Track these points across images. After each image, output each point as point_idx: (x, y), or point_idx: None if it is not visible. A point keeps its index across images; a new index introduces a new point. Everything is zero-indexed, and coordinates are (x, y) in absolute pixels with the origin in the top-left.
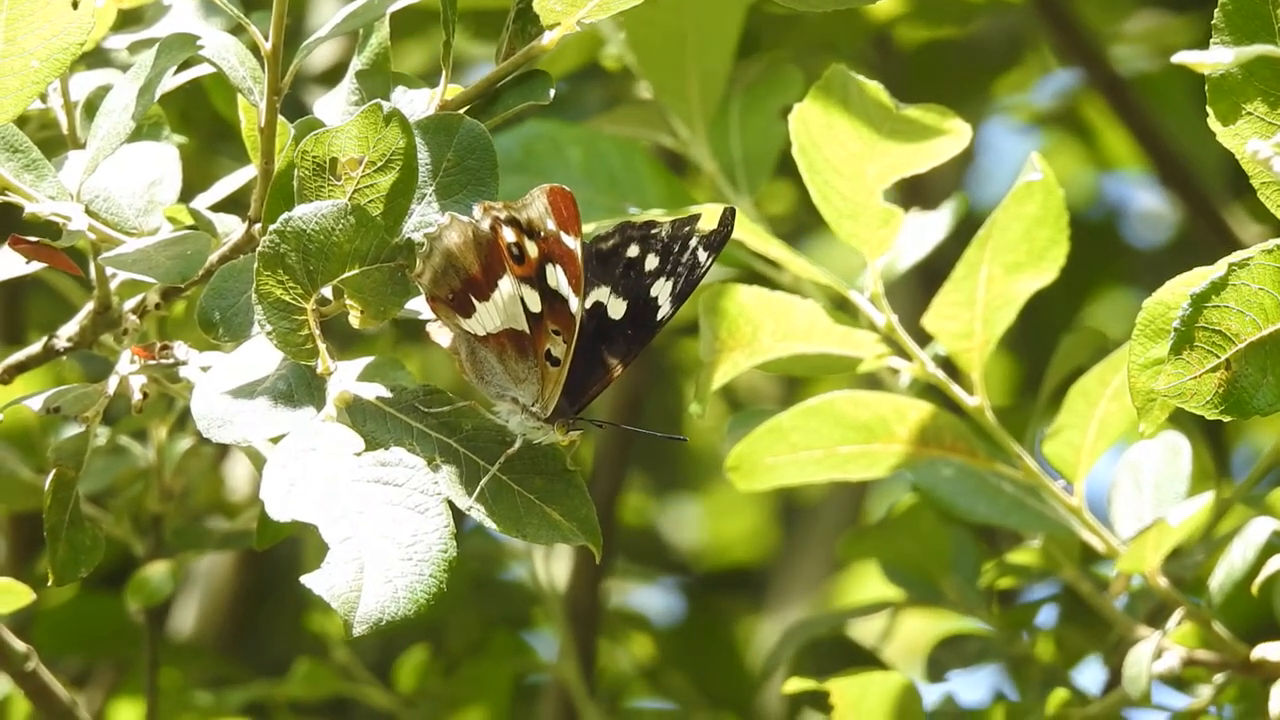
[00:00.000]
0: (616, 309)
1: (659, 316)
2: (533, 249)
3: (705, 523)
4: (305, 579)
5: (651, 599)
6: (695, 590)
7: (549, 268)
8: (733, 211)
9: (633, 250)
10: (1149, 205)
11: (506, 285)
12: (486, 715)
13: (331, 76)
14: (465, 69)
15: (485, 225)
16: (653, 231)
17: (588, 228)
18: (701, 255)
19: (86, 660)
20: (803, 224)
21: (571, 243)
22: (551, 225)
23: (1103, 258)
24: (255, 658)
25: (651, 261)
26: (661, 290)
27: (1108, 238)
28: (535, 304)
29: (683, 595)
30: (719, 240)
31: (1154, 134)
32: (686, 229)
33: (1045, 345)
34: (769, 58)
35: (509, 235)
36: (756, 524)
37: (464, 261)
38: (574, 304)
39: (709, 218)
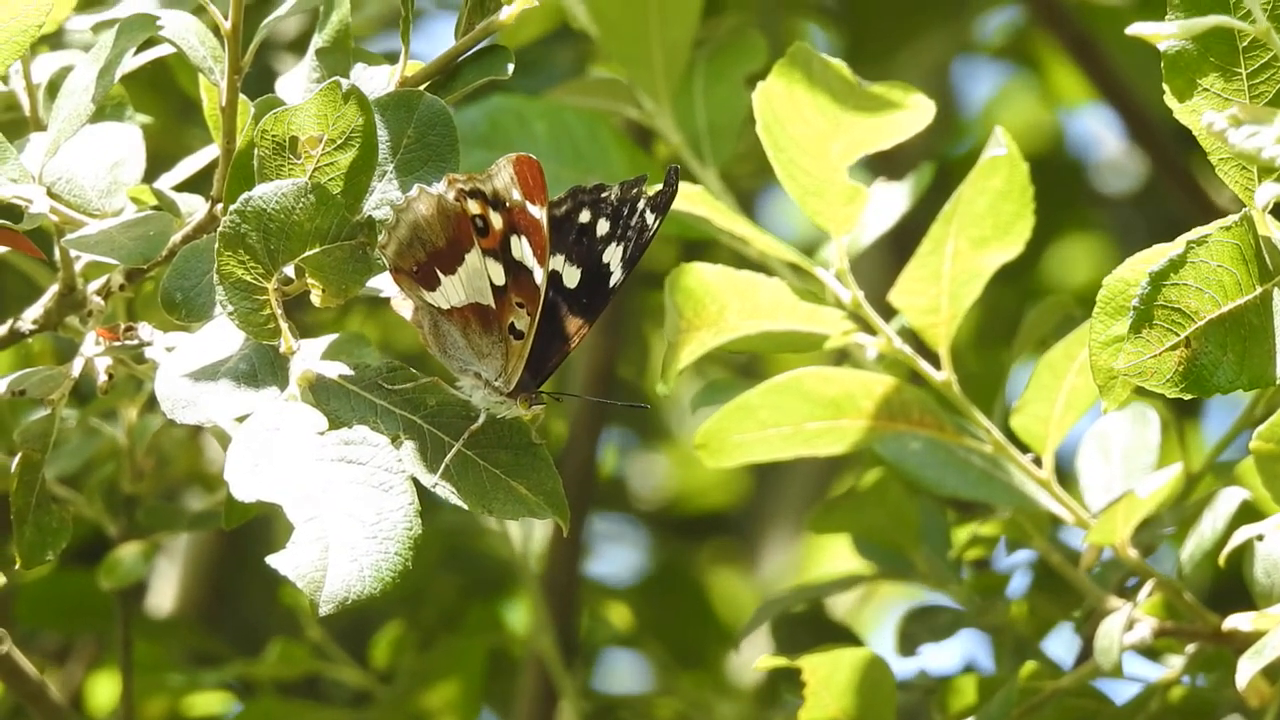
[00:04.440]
0: (571, 277)
1: (612, 283)
2: (497, 221)
3: (677, 469)
4: (271, 559)
5: (625, 553)
6: (669, 538)
7: (514, 239)
8: (677, 171)
9: (584, 216)
10: (1113, 146)
11: (471, 258)
12: (461, 689)
13: (301, 44)
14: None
15: (451, 197)
16: (603, 195)
17: None
18: (649, 217)
19: (66, 635)
20: (772, 179)
21: (537, 212)
22: (517, 195)
23: (1064, 200)
24: (235, 629)
25: (603, 226)
26: (613, 256)
27: (1069, 179)
28: (499, 277)
29: (656, 546)
30: (665, 200)
31: (1122, 91)
32: (634, 190)
33: (1004, 294)
34: (732, 21)
35: (473, 207)
36: (730, 470)
37: (430, 234)
38: (538, 275)
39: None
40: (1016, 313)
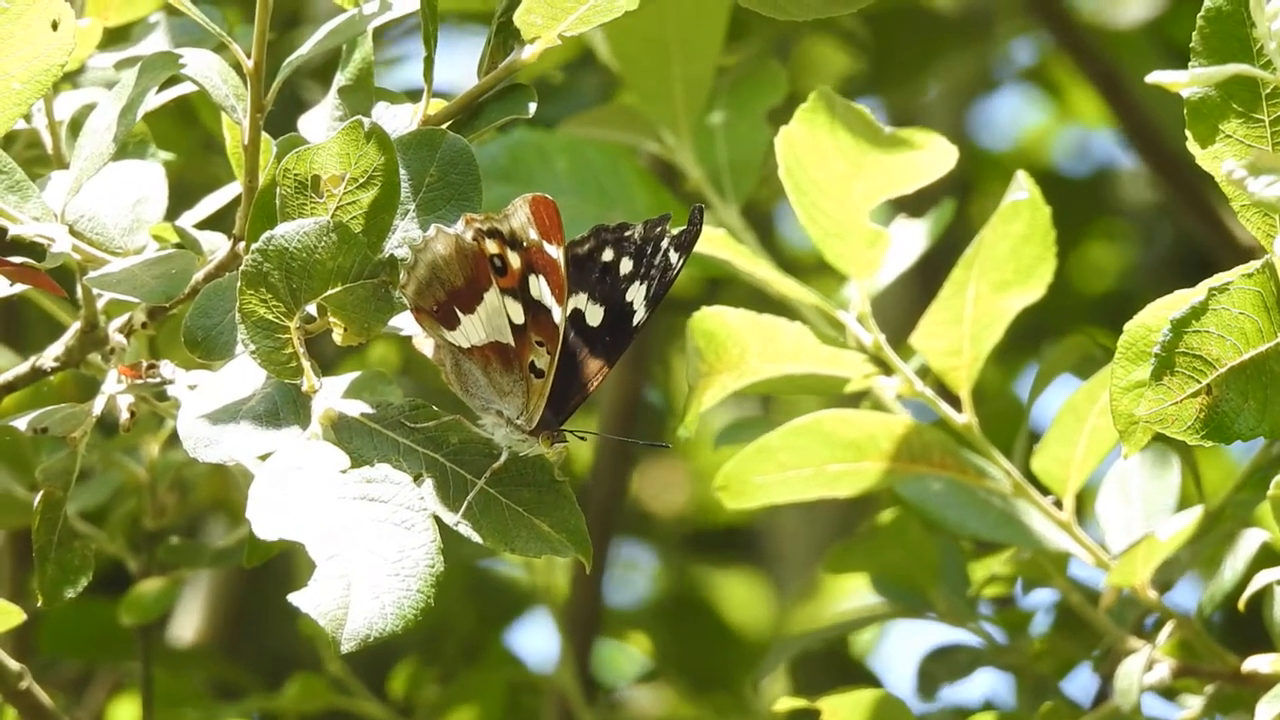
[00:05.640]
0: (594, 315)
1: (635, 322)
2: (515, 260)
3: (694, 482)
4: (293, 597)
5: (644, 568)
6: (687, 551)
7: (532, 278)
8: (701, 210)
9: (608, 254)
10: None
11: (490, 297)
12: None
13: (326, 70)
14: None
15: (468, 236)
16: (626, 234)
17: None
18: (673, 257)
19: (87, 664)
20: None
21: (554, 252)
22: (534, 235)
23: (1086, 209)
24: (256, 657)
25: (626, 265)
26: (636, 294)
27: (1092, 189)
28: (518, 315)
29: (674, 560)
30: (689, 240)
31: (1145, 125)
32: (658, 229)
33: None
34: (752, 50)
35: (491, 247)
36: None
37: (449, 274)
38: (557, 314)
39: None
40: (1037, 323)
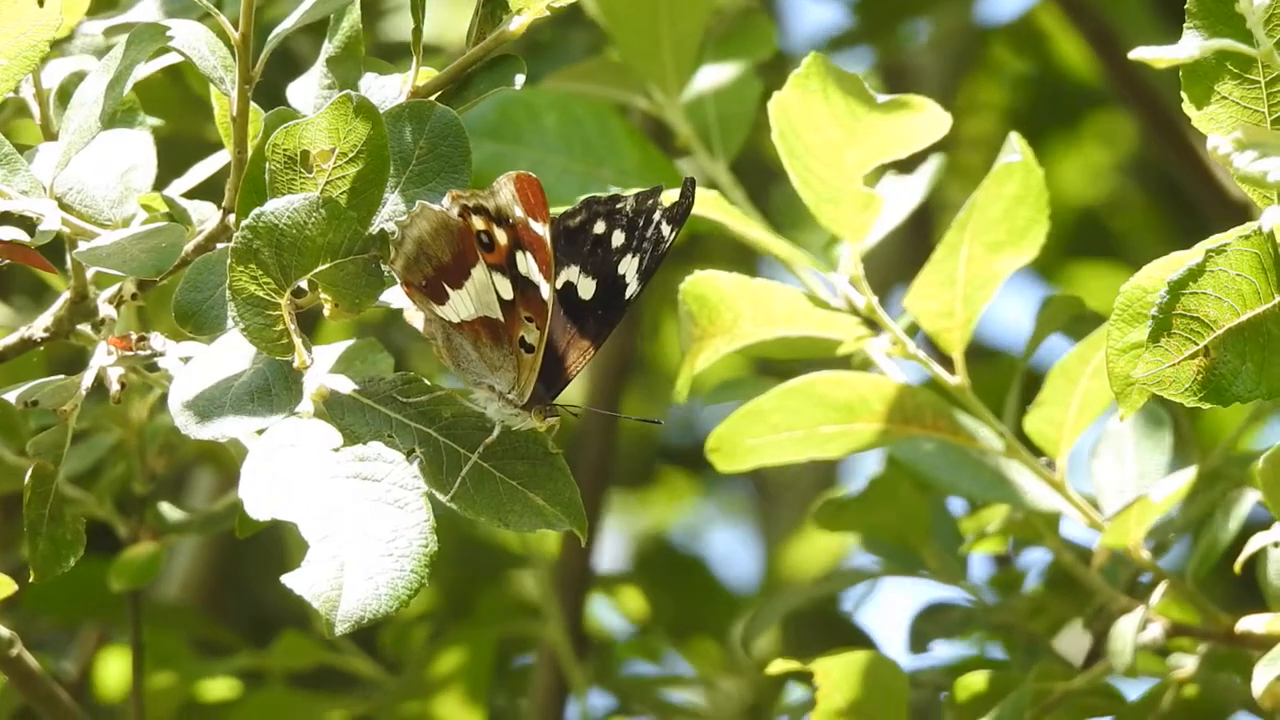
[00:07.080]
0: (586, 288)
1: (627, 295)
2: (502, 236)
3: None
4: (286, 578)
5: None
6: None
7: (519, 255)
8: (693, 182)
9: (599, 227)
10: None
11: (478, 273)
12: (470, 678)
13: (319, 28)
14: None
15: (454, 213)
16: (618, 206)
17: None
18: (665, 229)
19: (74, 623)
20: None
21: (540, 229)
22: (519, 212)
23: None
24: (244, 610)
25: (618, 237)
26: (629, 267)
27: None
28: (507, 291)
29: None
30: (681, 213)
31: (1138, 83)
32: (650, 202)
33: None
34: (740, 5)
35: (478, 223)
36: None
37: (435, 249)
38: (545, 290)
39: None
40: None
